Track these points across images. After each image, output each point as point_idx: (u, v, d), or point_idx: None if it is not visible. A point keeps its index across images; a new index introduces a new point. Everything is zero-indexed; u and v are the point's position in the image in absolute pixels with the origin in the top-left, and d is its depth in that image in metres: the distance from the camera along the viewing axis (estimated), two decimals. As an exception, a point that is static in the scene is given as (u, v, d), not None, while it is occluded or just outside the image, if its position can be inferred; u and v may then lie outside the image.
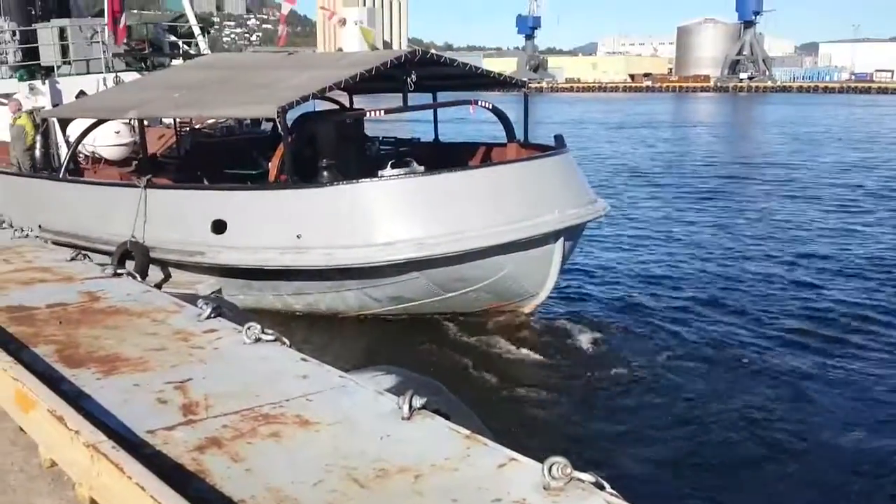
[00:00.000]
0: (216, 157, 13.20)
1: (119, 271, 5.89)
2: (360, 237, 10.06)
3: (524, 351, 10.35)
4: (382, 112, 11.93)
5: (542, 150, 12.21)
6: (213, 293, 10.93)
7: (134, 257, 10.94)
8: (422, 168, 11.71)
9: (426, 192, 10.40)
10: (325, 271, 10.42)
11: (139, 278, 5.86)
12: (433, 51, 13.35)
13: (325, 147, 12.06)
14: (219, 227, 10.59)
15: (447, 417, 3.58)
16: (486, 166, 11.91)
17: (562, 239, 10.57)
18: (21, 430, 3.56)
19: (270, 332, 4.41)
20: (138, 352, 4.33)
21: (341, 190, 10.40)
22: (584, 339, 10.61)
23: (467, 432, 3.33)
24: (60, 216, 12.21)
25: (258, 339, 4.35)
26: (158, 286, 11.08)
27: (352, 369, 4.63)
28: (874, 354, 10.42)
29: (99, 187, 12.42)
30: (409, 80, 11.59)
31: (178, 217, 11.03)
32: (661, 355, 10.18)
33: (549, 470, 2.82)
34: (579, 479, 2.82)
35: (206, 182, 12.03)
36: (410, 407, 3.42)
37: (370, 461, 3.07)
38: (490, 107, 12.38)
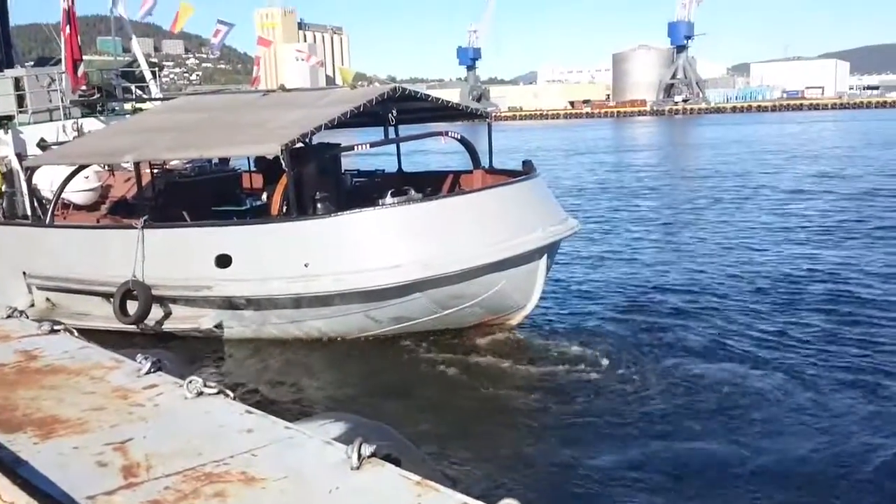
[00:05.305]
0: (194, 196, 13.29)
1: (56, 328, 5.73)
2: (368, 262, 10.46)
3: (490, 374, 10.26)
4: (368, 146, 12.30)
5: (510, 176, 12.71)
6: (214, 326, 11.36)
7: (136, 296, 11.08)
8: (419, 195, 12.23)
9: (427, 217, 10.94)
10: (332, 297, 10.73)
11: (76, 334, 5.69)
12: (407, 87, 13.84)
13: (308, 181, 12.28)
14: (223, 261, 10.80)
15: (398, 462, 3.54)
16: (479, 190, 12.25)
17: (545, 255, 11.40)
18: (-47, 503, 3.42)
19: (213, 384, 4.32)
20: (77, 412, 4.20)
21: (347, 219, 10.77)
22: (555, 360, 10.57)
23: (418, 478, 3.29)
24: (50, 261, 12.18)
25: (200, 393, 4.25)
26: (160, 323, 11.40)
27: (300, 418, 4.55)
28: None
29: (93, 230, 12.54)
30: (390, 115, 12.31)
31: (179, 254, 11.18)
32: (626, 374, 9.97)
33: (501, 515, 2.80)
34: (531, 523, 2.81)
35: (188, 220, 12.24)
36: (359, 456, 3.37)
37: (319, 516, 3.01)
38: (459, 137, 13.04)
